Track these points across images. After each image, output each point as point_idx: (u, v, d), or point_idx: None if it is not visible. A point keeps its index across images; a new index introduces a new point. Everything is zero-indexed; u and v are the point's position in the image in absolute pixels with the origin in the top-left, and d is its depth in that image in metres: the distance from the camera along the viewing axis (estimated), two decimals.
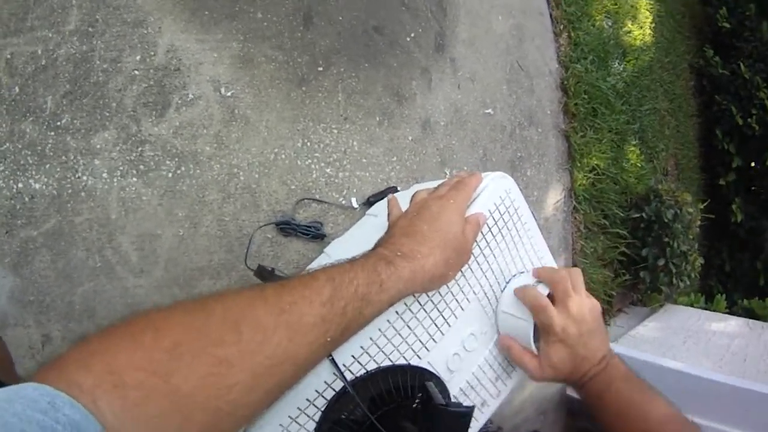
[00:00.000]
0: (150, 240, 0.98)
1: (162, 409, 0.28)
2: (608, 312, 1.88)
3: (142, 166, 0.98)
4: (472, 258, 0.55)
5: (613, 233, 1.80)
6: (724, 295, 2.34)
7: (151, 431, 0.28)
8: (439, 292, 0.53)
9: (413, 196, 0.54)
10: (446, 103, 1.35)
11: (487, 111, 1.44)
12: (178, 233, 1.00)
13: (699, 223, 2.03)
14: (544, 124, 1.60)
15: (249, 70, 1.09)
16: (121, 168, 0.96)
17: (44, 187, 0.89)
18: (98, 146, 0.93)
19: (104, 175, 0.94)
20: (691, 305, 2.19)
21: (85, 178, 0.93)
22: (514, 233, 0.60)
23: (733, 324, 1.99)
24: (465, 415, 0.46)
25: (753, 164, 2.79)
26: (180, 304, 0.33)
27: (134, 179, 0.97)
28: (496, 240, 0.58)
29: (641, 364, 1.60)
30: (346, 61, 1.20)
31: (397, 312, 0.51)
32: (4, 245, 0.87)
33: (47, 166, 0.90)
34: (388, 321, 0.50)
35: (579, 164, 1.65)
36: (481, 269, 0.57)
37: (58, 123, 0.90)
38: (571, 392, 1.69)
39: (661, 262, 1.82)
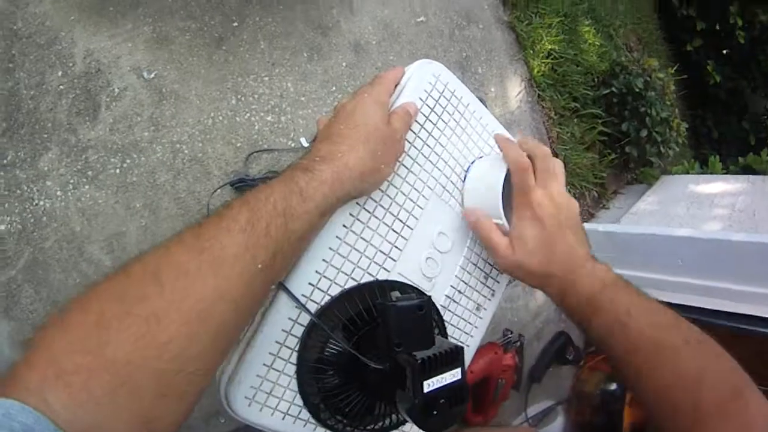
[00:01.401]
0: (117, 239, 0.98)
1: (106, 387, 0.26)
2: (603, 195, 1.85)
3: (90, 172, 0.97)
4: (416, 151, 0.51)
5: (587, 114, 1.75)
6: (718, 157, 2.28)
7: (104, 413, 0.26)
8: (387, 195, 0.49)
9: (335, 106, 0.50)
10: (373, 21, 1.30)
11: (419, 19, 1.38)
12: (141, 224, 0.99)
13: (674, 88, 1.98)
14: (483, 19, 1.54)
15: (166, 47, 1.07)
16: (71, 181, 0.96)
17: (9, 225, 0.90)
18: (45, 168, 0.94)
19: (58, 193, 0.94)
20: (687, 173, 2.13)
21: (42, 203, 0.93)
22: (458, 117, 0.55)
23: (733, 182, 1.93)
24: (419, 306, 0.40)
25: (717, 26, 2.70)
26: (105, 276, 0.31)
27: (86, 187, 0.96)
28: (438, 128, 0.53)
29: (648, 238, 1.55)
30: (260, 9, 1.15)
31: (344, 225, 0.46)
32: None
33: (6, 204, 0.90)
34: (337, 237, 0.46)
35: (531, 52, 1.59)
36: (430, 161, 0.52)
37: (4, 161, 0.91)
38: None
39: (644, 134, 1.77)
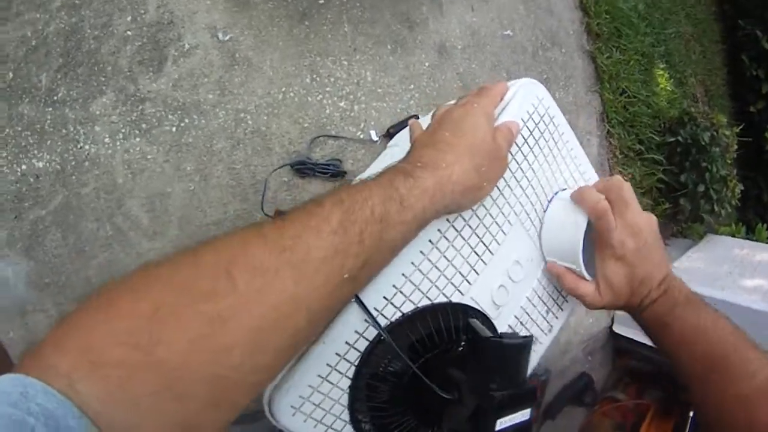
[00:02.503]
0: (160, 200, 0.94)
1: (151, 387, 0.23)
2: None
3: (144, 125, 0.93)
4: (510, 174, 0.47)
5: (649, 159, 1.70)
6: (765, 225, 2.23)
7: (142, 414, 0.23)
8: (477, 215, 0.45)
9: (434, 111, 0.47)
10: (461, 26, 1.26)
11: (506, 32, 1.34)
12: (188, 188, 0.95)
13: (736, 147, 1.92)
14: (567, 44, 1.50)
15: (246, 12, 1.03)
16: (122, 130, 0.92)
17: (47, 164, 0.87)
18: (97, 112, 0.91)
19: (106, 140, 0.91)
20: (733, 235, 2.09)
21: (87, 147, 0.90)
22: (552, 145, 0.52)
23: None
24: (524, 346, 0.38)
25: None
26: (166, 258, 0.27)
27: (137, 139, 0.92)
28: (533, 152, 0.50)
29: None
30: None
31: (431, 241, 0.43)
32: (15, 231, 0.85)
33: (48, 142, 0.87)
34: (421, 252, 0.43)
35: (608, 86, 1.54)
36: (521, 186, 0.49)
37: (55, 98, 0.88)
38: (618, 329, 1.62)
39: (701, 188, 1.71)
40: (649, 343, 0.52)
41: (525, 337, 0.38)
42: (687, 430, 1.44)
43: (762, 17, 2.64)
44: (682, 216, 1.81)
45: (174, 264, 0.27)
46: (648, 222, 0.49)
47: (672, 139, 1.72)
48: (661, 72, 1.83)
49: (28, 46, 0.87)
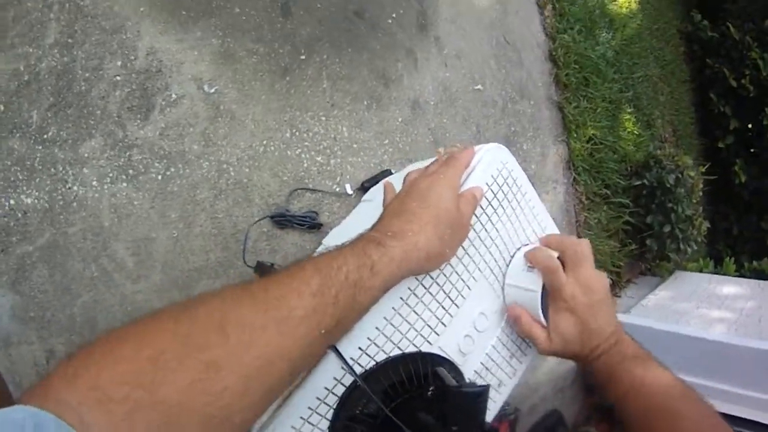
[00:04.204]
0: (145, 244, 0.97)
1: (151, 422, 0.27)
2: (618, 283, 1.86)
3: (131, 171, 0.97)
4: (474, 234, 0.53)
5: (616, 203, 1.78)
6: (732, 259, 2.31)
7: None
8: (444, 273, 0.51)
9: (405, 177, 0.52)
10: (434, 82, 1.33)
11: (476, 87, 1.41)
12: (172, 235, 0.99)
13: (701, 186, 2.01)
14: (536, 96, 1.58)
15: (231, 65, 1.08)
16: (110, 174, 0.95)
17: (36, 201, 0.89)
18: (86, 155, 0.93)
19: (94, 183, 0.93)
20: (701, 271, 2.16)
21: (75, 188, 0.92)
22: (515, 205, 0.57)
23: (745, 286, 1.97)
24: (480, 393, 0.43)
25: (750, 125, 2.76)
26: (162, 311, 0.31)
27: (124, 184, 0.96)
28: (497, 213, 0.55)
29: (655, 333, 1.58)
30: (329, 47, 1.18)
31: (401, 298, 0.48)
32: (1, 264, 0.87)
33: (37, 180, 0.89)
34: (393, 308, 0.48)
35: (575, 135, 1.62)
36: (485, 245, 0.54)
37: (45, 136, 0.90)
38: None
39: (667, 229, 1.79)
40: None
41: (482, 386, 0.43)
42: None
43: (729, 56, 2.77)
44: (649, 255, 1.89)
45: (172, 317, 0.31)
46: (600, 281, 0.54)
47: (638, 183, 1.80)
48: (628, 116, 1.93)
49: (20, 80, 0.88)
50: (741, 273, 2.24)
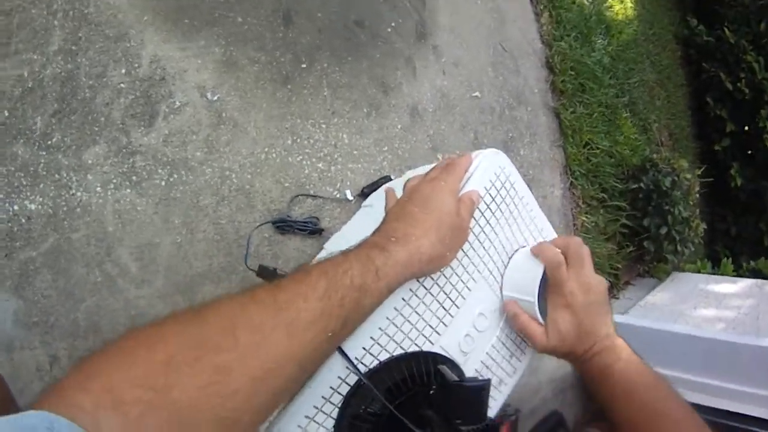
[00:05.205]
0: (148, 250, 0.98)
1: (163, 423, 0.27)
2: (616, 285, 1.87)
3: (134, 177, 0.98)
4: (473, 237, 0.55)
5: (613, 206, 1.80)
6: (730, 259, 2.33)
7: None
8: (444, 275, 0.53)
9: (406, 183, 0.54)
10: (433, 89, 1.35)
11: (474, 94, 1.44)
12: (175, 240, 1.00)
13: (698, 189, 2.03)
14: (533, 102, 1.60)
15: (233, 73, 1.09)
16: (114, 181, 0.96)
17: (40, 207, 0.90)
18: (90, 161, 0.94)
19: (98, 189, 0.94)
20: (698, 272, 2.17)
21: (79, 194, 0.93)
22: (513, 208, 0.59)
23: (742, 285, 1.97)
24: (482, 387, 0.45)
25: (746, 128, 2.78)
26: (173, 315, 0.32)
27: (128, 190, 0.97)
28: (495, 217, 0.57)
29: (653, 332, 1.59)
30: (329, 56, 1.20)
31: (403, 299, 0.50)
32: (4, 269, 0.87)
33: (41, 185, 0.90)
34: (395, 309, 0.49)
35: (572, 140, 1.65)
36: (484, 247, 0.56)
37: (49, 142, 0.91)
38: None
39: (664, 231, 1.81)
40: None
41: (484, 380, 0.46)
42: None
43: (725, 60, 2.79)
44: (647, 257, 1.90)
45: (183, 322, 0.32)
46: (599, 283, 0.55)
47: (635, 186, 1.82)
48: (625, 121, 1.95)
49: (24, 86, 0.89)
50: (739, 273, 2.25)
